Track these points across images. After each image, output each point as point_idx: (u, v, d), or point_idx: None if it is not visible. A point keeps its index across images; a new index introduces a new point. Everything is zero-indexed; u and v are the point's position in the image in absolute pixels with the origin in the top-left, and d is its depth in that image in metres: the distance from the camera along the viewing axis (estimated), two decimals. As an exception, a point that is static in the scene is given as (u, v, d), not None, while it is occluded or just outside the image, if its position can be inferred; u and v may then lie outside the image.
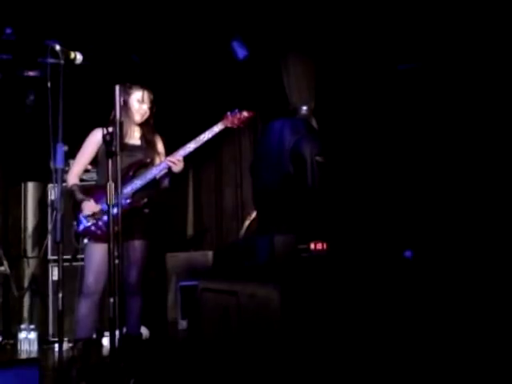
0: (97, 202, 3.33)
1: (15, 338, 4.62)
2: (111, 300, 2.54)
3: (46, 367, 3.86)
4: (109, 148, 2.65)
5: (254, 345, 2.63)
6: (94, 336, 3.85)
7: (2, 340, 4.68)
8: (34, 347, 4.52)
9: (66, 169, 3.47)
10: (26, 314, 4.95)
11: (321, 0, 4.46)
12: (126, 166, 3.29)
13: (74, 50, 2.96)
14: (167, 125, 3.89)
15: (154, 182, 3.44)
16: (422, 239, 3.54)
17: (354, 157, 4.28)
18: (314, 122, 4.60)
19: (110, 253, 2.58)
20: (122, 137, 2.73)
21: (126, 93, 3.40)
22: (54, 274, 4.75)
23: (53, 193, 4.81)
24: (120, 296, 2.58)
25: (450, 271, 2.68)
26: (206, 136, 3.44)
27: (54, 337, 4.68)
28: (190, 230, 6.61)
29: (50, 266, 4.83)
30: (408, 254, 3.11)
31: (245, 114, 3.57)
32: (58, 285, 3.06)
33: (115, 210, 2.57)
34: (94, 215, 3.31)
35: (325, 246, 2.82)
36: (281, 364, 2.39)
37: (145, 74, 5.14)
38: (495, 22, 3.52)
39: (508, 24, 3.45)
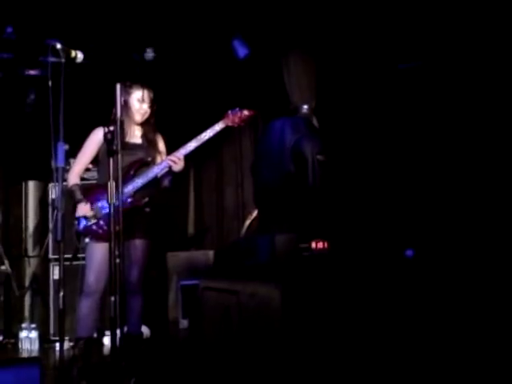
0: (98, 201, 3.33)
1: (16, 337, 4.62)
2: (112, 299, 2.54)
3: (47, 366, 3.86)
4: (110, 147, 2.65)
5: (255, 344, 2.63)
6: (95, 335, 3.85)
7: (3, 339, 4.69)
8: (35, 346, 4.52)
9: (67, 168, 3.48)
10: (27, 313, 4.95)
11: (322, -1, 4.46)
12: (127, 165, 3.29)
13: (75, 49, 2.96)
14: (168, 123, 3.88)
15: (155, 181, 3.43)
16: (423, 238, 3.54)
17: (355, 155, 4.28)
18: (314, 121, 4.60)
19: (111, 252, 2.58)
20: (122, 135, 2.72)
21: (126, 92, 3.40)
22: (55, 273, 4.75)
23: (54, 192, 4.81)
24: (121, 295, 2.58)
25: (451, 270, 2.67)
26: (207, 135, 3.44)
27: (54, 336, 4.68)
28: (190, 229, 6.61)
29: (51, 265, 4.83)
30: (409, 252, 3.10)
31: (245, 112, 3.56)
32: (59, 284, 3.07)
33: (111, 209, 2.57)
34: (91, 217, 3.31)
35: (326, 244, 2.82)
36: (282, 363, 2.38)
37: (145, 72, 5.14)
38: (495, 20, 3.52)
39: (508, 23, 3.45)
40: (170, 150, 3.50)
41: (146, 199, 3.37)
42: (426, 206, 3.81)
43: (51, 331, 4.73)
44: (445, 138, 3.80)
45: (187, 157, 3.44)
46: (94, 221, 3.32)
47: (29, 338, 4.51)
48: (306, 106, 4.71)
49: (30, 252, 5.06)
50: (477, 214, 3.46)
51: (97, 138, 3.40)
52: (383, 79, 4.30)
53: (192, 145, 3.42)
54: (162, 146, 3.57)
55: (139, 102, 3.47)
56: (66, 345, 4.24)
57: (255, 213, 4.67)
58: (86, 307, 3.32)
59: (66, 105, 2.70)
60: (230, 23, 4.95)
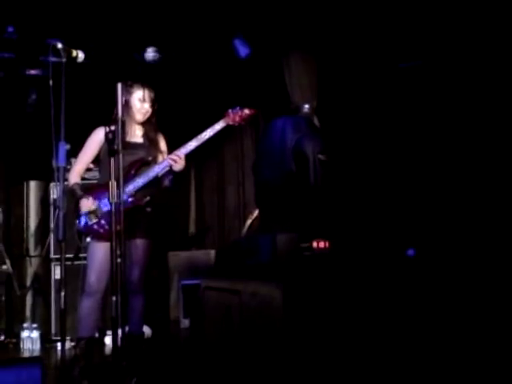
0: (99, 200, 3.33)
1: (18, 336, 4.62)
2: (113, 299, 2.54)
3: (48, 366, 3.86)
4: (111, 146, 2.65)
5: (256, 344, 2.63)
6: (97, 335, 3.84)
7: (5, 339, 4.69)
8: (37, 346, 4.52)
9: (68, 167, 3.47)
10: (28, 312, 4.96)
11: (323, -2, 4.46)
12: (128, 165, 3.29)
13: (76, 49, 2.96)
14: (169, 123, 3.88)
15: (156, 181, 3.43)
16: (424, 237, 3.53)
17: (357, 155, 4.28)
18: (316, 121, 4.60)
19: (112, 251, 2.58)
20: (123, 135, 2.72)
21: (127, 92, 3.39)
22: (57, 272, 4.75)
23: (55, 191, 4.81)
24: (122, 295, 2.58)
25: (452, 269, 2.67)
26: (208, 134, 3.44)
27: (56, 335, 4.68)
28: (192, 229, 6.61)
29: (52, 264, 4.83)
30: (411, 252, 3.10)
31: (246, 111, 3.56)
32: (60, 283, 3.06)
33: (112, 207, 2.58)
34: (94, 212, 3.31)
35: (327, 244, 2.82)
36: (283, 362, 2.38)
37: (146, 72, 5.14)
38: (496, 20, 3.51)
39: (509, 23, 3.44)
40: (171, 149, 3.50)
41: (147, 199, 3.37)
42: (427, 205, 3.80)
43: (52, 331, 4.73)
44: (446, 137, 3.80)
45: (188, 156, 3.44)
46: (95, 220, 3.32)
47: (30, 338, 4.51)
48: (307, 106, 4.71)
49: (32, 252, 5.07)
50: (478, 214, 3.46)
51: (98, 137, 3.40)
52: (384, 78, 4.30)
53: (193, 144, 3.42)
54: (163, 145, 3.57)
55: (140, 102, 3.46)
56: (68, 344, 4.23)
57: (256, 212, 4.67)
58: (88, 307, 3.32)
59: (67, 104, 2.70)
60: (231, 22, 4.94)
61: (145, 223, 3.42)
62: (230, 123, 3.51)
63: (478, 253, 3.02)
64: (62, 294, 2.67)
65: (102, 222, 3.30)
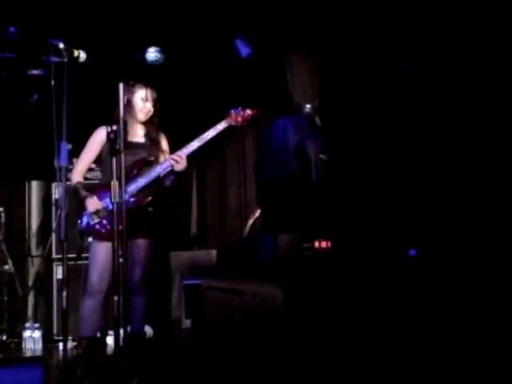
0: (101, 200, 3.33)
1: (20, 336, 4.63)
2: (115, 299, 2.54)
3: (50, 366, 3.87)
4: (113, 146, 2.65)
5: (258, 344, 2.63)
6: (99, 335, 3.85)
7: (7, 338, 4.69)
8: (39, 346, 4.52)
9: (70, 167, 3.47)
10: (30, 312, 4.96)
11: (324, -2, 4.46)
12: (130, 165, 3.29)
13: (78, 49, 2.96)
14: (171, 123, 3.88)
15: (158, 181, 3.43)
16: (426, 237, 3.53)
17: (358, 155, 4.27)
18: (317, 120, 4.59)
19: (114, 251, 2.58)
20: (125, 135, 2.72)
21: (129, 91, 3.39)
22: (59, 272, 4.75)
23: (57, 191, 4.81)
24: (124, 295, 2.58)
25: (454, 269, 2.67)
26: (210, 134, 3.44)
27: (58, 335, 4.68)
28: (193, 229, 6.61)
29: (54, 264, 4.83)
30: (412, 252, 3.10)
31: (248, 112, 3.56)
32: (62, 283, 3.06)
33: (115, 206, 2.58)
34: (97, 213, 3.31)
35: (329, 244, 2.81)
36: (285, 362, 2.38)
37: (148, 72, 5.15)
38: (497, 19, 3.51)
39: (509, 23, 3.44)
40: (173, 149, 3.50)
41: (149, 199, 3.37)
42: (429, 205, 3.80)
43: (54, 331, 4.74)
44: (448, 137, 3.79)
45: (190, 156, 3.44)
46: (97, 220, 3.32)
47: (32, 338, 4.52)
48: (308, 106, 4.70)
49: (34, 251, 5.07)
50: (480, 214, 3.45)
51: (99, 137, 3.40)
52: (386, 78, 4.29)
53: (195, 144, 3.42)
54: (164, 144, 3.57)
55: (143, 101, 3.46)
56: (70, 344, 4.24)
57: (258, 212, 4.66)
58: (90, 307, 3.32)
59: (69, 104, 2.70)
60: (232, 22, 4.94)
61: (147, 223, 3.42)
62: (233, 124, 3.51)
63: (480, 253, 3.02)
64: (64, 293, 2.67)
65: (104, 221, 3.30)
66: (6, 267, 4.77)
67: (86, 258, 3.57)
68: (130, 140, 3.40)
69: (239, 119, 3.52)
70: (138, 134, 3.51)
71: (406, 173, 4.01)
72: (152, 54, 5.22)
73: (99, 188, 3.38)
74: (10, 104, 5.44)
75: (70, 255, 3.04)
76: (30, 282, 4.99)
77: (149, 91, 3.47)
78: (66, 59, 2.83)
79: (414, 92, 4.08)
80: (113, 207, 2.64)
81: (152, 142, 3.50)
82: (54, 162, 4.04)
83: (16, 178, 5.46)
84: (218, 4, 4.69)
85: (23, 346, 4.53)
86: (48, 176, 4.99)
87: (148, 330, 4.52)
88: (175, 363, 3.87)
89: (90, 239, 3.36)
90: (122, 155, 2.65)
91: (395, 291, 2.56)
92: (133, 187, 3.32)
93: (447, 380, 2.37)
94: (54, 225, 4.74)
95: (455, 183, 3.68)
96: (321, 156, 3.15)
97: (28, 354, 4.40)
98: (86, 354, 3.25)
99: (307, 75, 4.86)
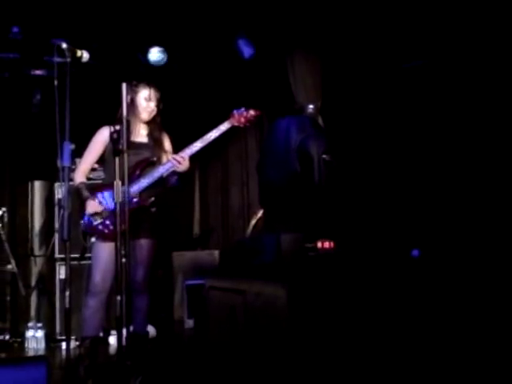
0: (103, 200, 3.33)
1: (23, 336, 4.63)
2: (118, 298, 2.54)
3: (53, 365, 3.87)
4: (116, 146, 2.65)
5: (260, 343, 2.63)
6: (101, 334, 3.85)
7: (10, 338, 4.70)
8: (42, 345, 4.53)
9: (73, 167, 3.48)
10: (33, 312, 4.97)
11: (327, -2, 4.46)
12: (133, 165, 3.29)
13: (81, 49, 2.97)
14: (174, 123, 3.88)
15: (161, 181, 3.43)
16: (429, 238, 3.53)
17: (361, 155, 4.27)
18: (320, 121, 4.59)
19: (117, 251, 2.58)
20: (128, 135, 2.72)
21: (132, 91, 3.40)
22: (61, 272, 4.76)
23: (60, 191, 4.81)
24: (127, 295, 2.58)
25: (457, 270, 2.66)
26: (213, 135, 3.43)
27: (61, 335, 4.69)
28: (196, 229, 6.62)
29: (57, 264, 4.84)
30: (415, 252, 3.09)
31: (251, 112, 3.55)
32: (65, 283, 3.07)
33: (117, 206, 2.58)
34: (100, 213, 3.31)
35: (332, 244, 2.81)
36: (288, 362, 2.38)
37: (151, 72, 5.15)
38: (498, 19, 3.50)
39: (510, 23, 3.44)
40: (176, 149, 3.49)
41: (152, 199, 3.37)
42: (431, 205, 3.80)
43: (57, 330, 4.74)
44: (450, 137, 3.79)
45: (192, 156, 3.43)
46: (99, 220, 3.32)
47: (35, 337, 4.53)
48: (311, 106, 4.70)
49: (37, 251, 5.08)
50: (483, 214, 3.45)
51: (102, 137, 3.40)
52: (388, 79, 4.29)
53: (197, 145, 3.41)
54: (167, 144, 3.57)
55: (146, 101, 3.46)
56: (72, 344, 4.25)
57: (261, 212, 4.67)
58: (92, 306, 3.32)
59: (72, 104, 2.70)
60: (235, 23, 4.95)
61: (149, 223, 3.42)
62: (235, 124, 3.51)
63: (483, 253, 3.01)
64: (67, 293, 2.68)
65: (107, 222, 3.31)
66: (9, 267, 4.77)
67: (89, 258, 3.57)
68: (133, 140, 3.40)
69: (242, 120, 3.52)
70: (140, 134, 3.51)
71: (409, 173, 4.00)
72: (155, 54, 5.23)
73: (102, 188, 3.38)
74: (12, 104, 5.44)
75: (72, 255, 3.05)
76: (33, 282, 4.99)
77: (152, 91, 3.47)
78: (68, 59, 2.83)
79: (413, 92, 4.08)
80: (115, 207, 2.64)
81: (155, 142, 3.50)
82: (56, 162, 4.05)
83: (19, 178, 5.47)
84: (221, 4, 4.70)
85: (26, 345, 4.53)
86: (51, 176, 5.00)
87: (151, 329, 4.52)
88: (178, 363, 3.87)
89: (93, 239, 3.37)
90: (125, 155, 2.65)
91: (398, 291, 2.56)
92: (136, 188, 3.32)
93: (451, 380, 2.37)
94: (56, 225, 4.74)
95: (458, 184, 3.68)
96: (323, 156, 3.15)
97: (31, 353, 4.41)
98: (89, 354, 3.26)
99: (310, 76, 4.86)
